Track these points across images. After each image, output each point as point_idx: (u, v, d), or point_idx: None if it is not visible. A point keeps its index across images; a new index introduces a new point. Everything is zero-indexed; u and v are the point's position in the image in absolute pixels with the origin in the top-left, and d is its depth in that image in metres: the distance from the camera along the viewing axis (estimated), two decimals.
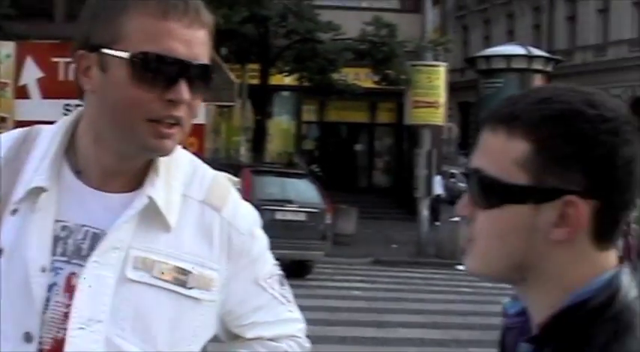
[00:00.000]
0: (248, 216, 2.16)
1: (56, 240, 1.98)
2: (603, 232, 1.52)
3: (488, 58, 30.19)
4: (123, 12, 1.91)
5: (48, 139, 2.05)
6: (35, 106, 17.19)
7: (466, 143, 42.64)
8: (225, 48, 26.24)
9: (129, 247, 1.97)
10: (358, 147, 38.37)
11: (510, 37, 44.24)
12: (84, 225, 1.99)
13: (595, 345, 1.46)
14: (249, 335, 2.22)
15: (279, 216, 17.91)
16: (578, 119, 1.48)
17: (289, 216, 18.21)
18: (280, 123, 36.12)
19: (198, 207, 2.07)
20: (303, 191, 19.10)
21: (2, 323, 1.95)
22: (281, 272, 2.26)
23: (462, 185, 30.14)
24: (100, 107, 1.96)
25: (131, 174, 2.03)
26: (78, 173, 2.03)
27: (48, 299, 1.96)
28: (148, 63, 1.89)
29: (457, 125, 43.03)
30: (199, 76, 1.95)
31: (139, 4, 1.91)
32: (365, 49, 26.46)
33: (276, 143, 34.89)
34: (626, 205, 1.51)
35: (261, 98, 27.97)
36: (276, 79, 28.61)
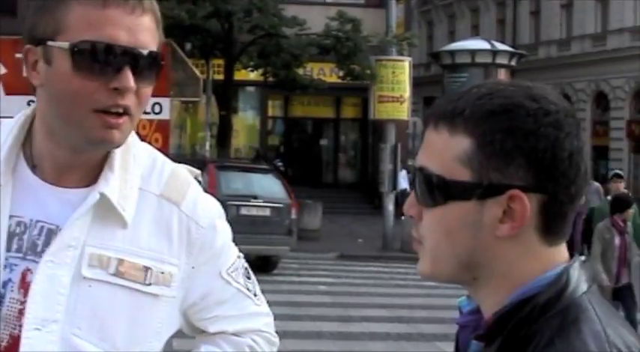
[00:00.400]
0: (209, 209, 2.12)
1: (11, 236, 1.95)
2: (551, 226, 1.50)
3: (452, 52, 30.24)
4: (64, 3, 1.89)
5: (4, 134, 2.02)
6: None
7: None
8: (189, 43, 26.16)
9: (84, 244, 1.94)
10: (323, 142, 38.42)
11: (475, 32, 44.32)
12: (39, 221, 1.96)
13: (539, 341, 1.45)
14: (212, 329, 2.19)
15: (244, 211, 17.87)
16: (520, 113, 1.47)
17: (254, 212, 18.17)
18: (245, 119, 36.11)
19: (156, 201, 2.03)
20: (269, 186, 19.06)
21: None
22: (246, 264, 2.22)
23: None
24: (49, 100, 1.94)
25: (87, 168, 1.99)
26: (34, 168, 2.00)
27: (3, 296, 1.93)
28: (89, 52, 1.86)
29: (422, 120, 43.12)
30: (145, 63, 1.91)
31: None
32: (329, 44, 26.44)
33: (241, 138, 34.87)
34: (572, 198, 1.50)
35: (226, 93, 27.90)
36: (241, 75, 28.54)
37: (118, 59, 1.87)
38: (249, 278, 2.21)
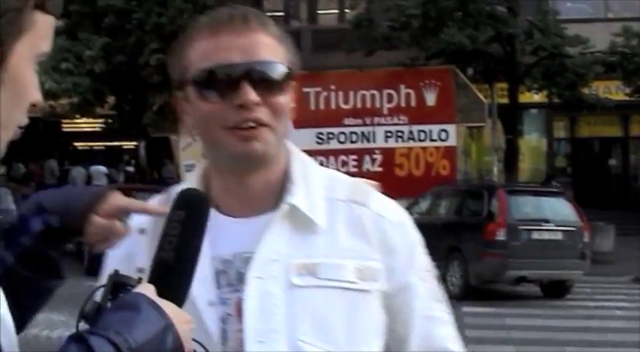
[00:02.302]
0: (396, 208, 2.17)
1: (218, 274, 2.05)
2: None
3: None
4: (186, 45, 2.06)
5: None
6: (289, 135, 17.76)
7: None
8: (471, 68, 26.21)
9: (289, 257, 2.02)
10: (612, 162, 37.37)
11: None
12: (238, 253, 2.05)
13: None
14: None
15: (535, 235, 17.64)
16: None
17: (546, 236, 17.91)
18: (530, 142, 35.67)
19: (345, 205, 2.10)
20: (559, 209, 18.77)
21: None
22: (435, 270, 2.22)
23: None
24: (199, 135, 2.07)
25: (267, 194, 2.08)
26: (217, 208, 2.06)
27: (226, 331, 2.02)
28: (206, 77, 1.99)
29: None
30: (264, 74, 1.99)
31: (194, 33, 2.05)
32: (615, 61, 25.82)
33: (527, 161, 34.47)
34: None
35: (511, 117, 27.70)
36: (525, 97, 28.27)
37: (234, 77, 1.98)
38: (438, 284, 2.21)
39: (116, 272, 1.72)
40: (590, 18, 32.19)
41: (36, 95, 1.55)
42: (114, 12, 24.41)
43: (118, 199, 1.90)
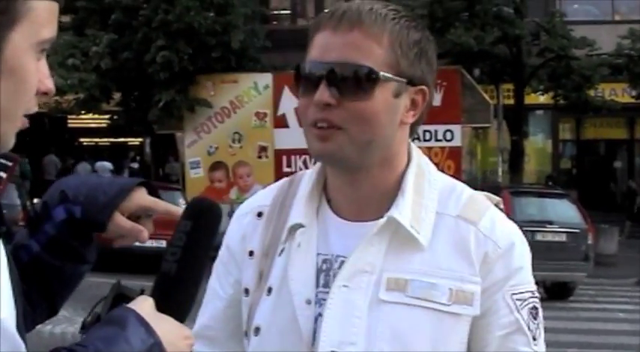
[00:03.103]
0: (508, 231, 2.06)
1: (319, 272, 2.03)
2: None
3: None
4: (310, 36, 2.03)
5: (306, 180, 2.11)
6: (293, 135, 17.76)
7: None
8: (477, 69, 26.18)
9: (381, 270, 1.98)
10: (617, 164, 37.31)
11: None
12: (339, 256, 2.02)
13: None
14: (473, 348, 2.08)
15: (539, 237, 17.71)
16: None
17: (550, 237, 17.97)
18: (535, 143, 35.63)
19: (454, 222, 2.03)
20: (563, 211, 18.79)
21: None
22: (538, 305, 2.10)
23: None
24: None
25: (377, 198, 2.04)
26: (330, 205, 2.08)
27: (315, 331, 1.99)
28: (298, 73, 2.00)
29: None
30: (344, 77, 1.94)
31: (315, 25, 2.03)
32: (621, 64, 25.79)
33: (532, 163, 34.43)
34: None
35: (517, 118, 27.68)
36: (531, 98, 28.25)
37: (315, 75, 1.96)
38: (535, 318, 2.08)
39: (118, 283, 1.70)
40: (596, 20, 32.14)
41: (45, 83, 1.52)
42: (121, 8, 24.39)
43: (142, 198, 1.85)
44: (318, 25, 2.00)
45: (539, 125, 35.70)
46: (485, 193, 2.14)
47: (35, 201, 29.23)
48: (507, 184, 24.30)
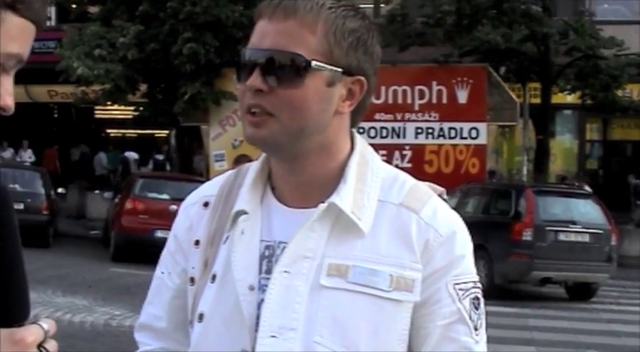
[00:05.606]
0: (450, 219, 2.07)
1: (262, 258, 2.04)
2: None
3: None
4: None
5: (252, 169, 2.14)
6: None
7: None
8: (504, 67, 26.11)
9: (323, 256, 1.99)
10: None
11: None
12: (282, 242, 2.03)
13: None
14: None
15: (562, 237, 17.59)
16: None
17: (573, 237, 17.85)
18: (562, 143, 35.50)
19: (395, 209, 2.04)
20: (587, 211, 18.69)
21: (220, 345, 2.03)
22: (480, 295, 2.11)
23: None
24: None
25: (319, 186, 2.05)
26: (274, 192, 2.10)
27: (258, 317, 2.00)
28: (239, 59, 2.04)
29: None
30: (276, 64, 1.96)
31: (255, 14, 2.07)
32: None
33: (558, 163, 34.32)
34: None
35: (543, 117, 27.60)
36: (558, 98, 28.14)
37: (249, 62, 1.99)
38: (476, 308, 2.08)
39: None
40: (625, 20, 31.97)
41: (4, 99, 1.47)
42: (148, 0, 24.50)
43: None
44: (259, 12, 2.03)
45: (566, 125, 35.56)
46: (429, 183, 2.15)
47: (60, 190, 29.28)
48: (531, 183, 24.20)
